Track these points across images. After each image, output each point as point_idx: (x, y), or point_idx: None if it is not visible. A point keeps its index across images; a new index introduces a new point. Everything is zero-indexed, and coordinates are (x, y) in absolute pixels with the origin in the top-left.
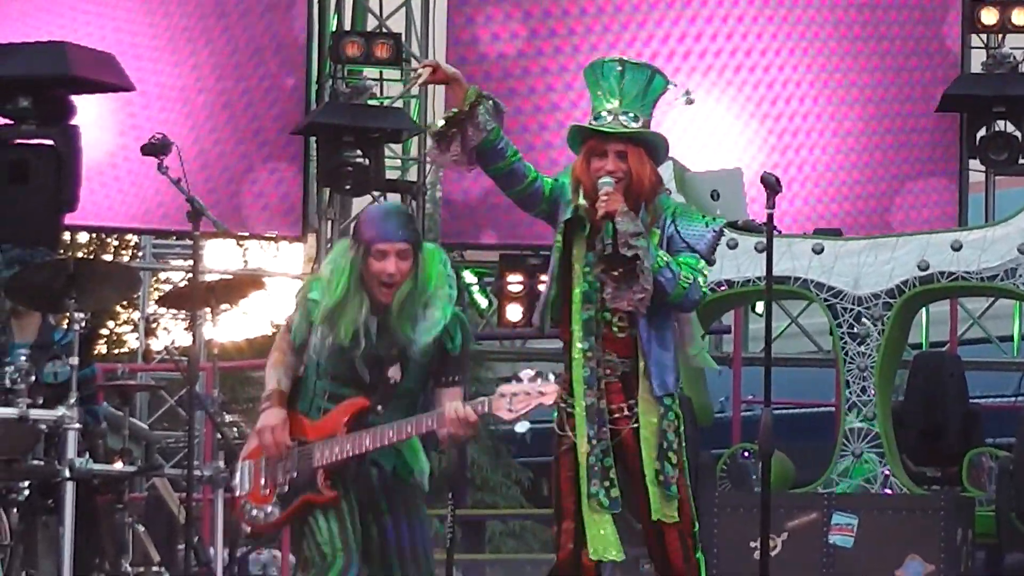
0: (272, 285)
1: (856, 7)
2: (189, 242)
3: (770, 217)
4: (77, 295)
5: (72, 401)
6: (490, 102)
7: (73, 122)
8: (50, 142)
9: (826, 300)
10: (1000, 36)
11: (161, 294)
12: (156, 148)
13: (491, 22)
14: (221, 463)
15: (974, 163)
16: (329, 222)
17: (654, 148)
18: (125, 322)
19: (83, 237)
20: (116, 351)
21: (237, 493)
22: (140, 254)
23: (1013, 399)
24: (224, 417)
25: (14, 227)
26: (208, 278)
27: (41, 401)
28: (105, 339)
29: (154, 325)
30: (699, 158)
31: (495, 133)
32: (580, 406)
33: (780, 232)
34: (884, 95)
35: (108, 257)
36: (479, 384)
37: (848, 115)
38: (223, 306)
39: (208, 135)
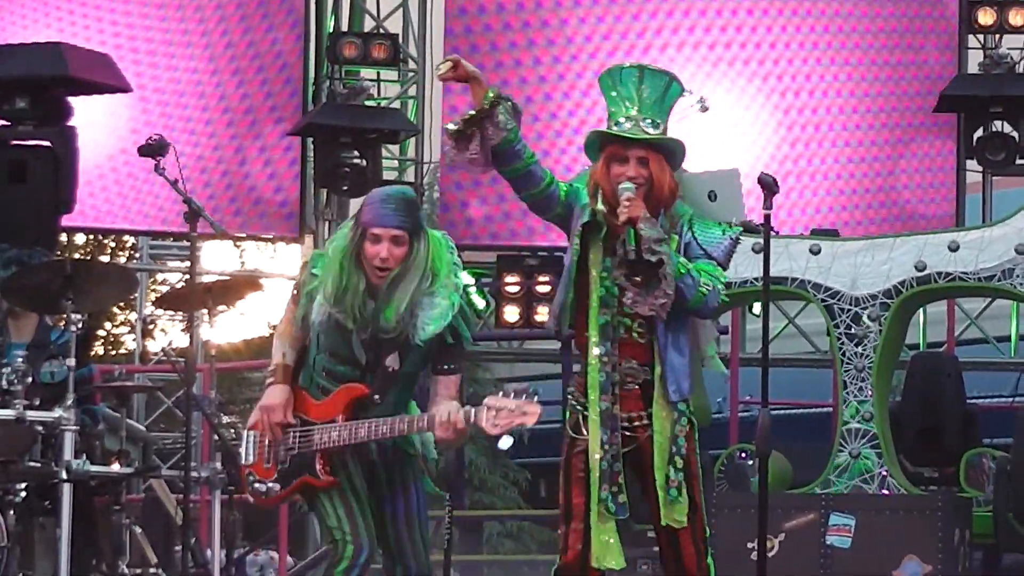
0: (269, 286)
1: (854, 9)
2: (186, 243)
3: (767, 218)
4: (74, 296)
5: (69, 402)
6: (508, 103)
7: (70, 123)
8: (47, 143)
9: (823, 301)
10: (997, 36)
11: (158, 295)
12: (153, 149)
13: (489, 31)
14: (218, 464)
15: (971, 163)
16: (326, 223)
17: (672, 154)
18: (122, 323)
19: (80, 238)
20: (113, 352)
21: (242, 462)
22: (137, 255)
23: (1010, 399)
24: (221, 418)
25: (11, 228)
26: (205, 279)
27: (38, 402)
28: (102, 340)
29: (151, 326)
30: (697, 159)
31: (513, 134)
32: (595, 411)
33: (777, 233)
34: (881, 96)
35: (105, 258)
36: (476, 385)
37: (845, 116)
38: (220, 307)
39: (205, 136)
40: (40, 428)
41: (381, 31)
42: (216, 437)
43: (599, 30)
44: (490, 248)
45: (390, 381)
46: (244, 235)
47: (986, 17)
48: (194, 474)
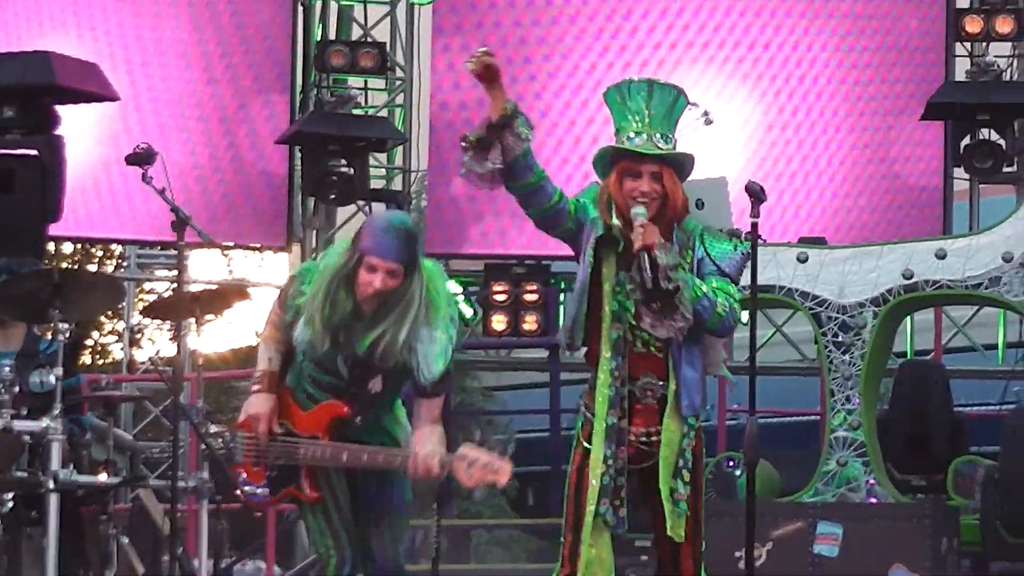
0: (257, 295)
1: (842, 17)
2: (174, 252)
3: (754, 226)
4: (62, 305)
5: (56, 412)
6: (522, 116)
7: (58, 132)
8: (35, 152)
9: (811, 309)
10: (984, 44)
11: (146, 304)
12: (140, 158)
13: (480, 29)
14: (206, 474)
15: (958, 171)
16: (314, 232)
17: (682, 167)
18: (110, 332)
19: (68, 247)
20: (101, 361)
21: (235, 459)
22: (125, 264)
23: (998, 407)
24: (209, 428)
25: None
26: (193, 288)
27: (25, 412)
28: (90, 349)
29: (139, 335)
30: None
31: (528, 146)
32: (601, 425)
33: (765, 241)
34: (868, 104)
35: (93, 267)
36: (464, 393)
37: (832, 124)
38: (208, 316)
39: (192, 145)
40: (28, 438)
41: (369, 39)
42: (203, 446)
43: (589, 29)
44: (478, 257)
45: (372, 402)
46: (232, 244)
47: (973, 25)
48: (181, 484)
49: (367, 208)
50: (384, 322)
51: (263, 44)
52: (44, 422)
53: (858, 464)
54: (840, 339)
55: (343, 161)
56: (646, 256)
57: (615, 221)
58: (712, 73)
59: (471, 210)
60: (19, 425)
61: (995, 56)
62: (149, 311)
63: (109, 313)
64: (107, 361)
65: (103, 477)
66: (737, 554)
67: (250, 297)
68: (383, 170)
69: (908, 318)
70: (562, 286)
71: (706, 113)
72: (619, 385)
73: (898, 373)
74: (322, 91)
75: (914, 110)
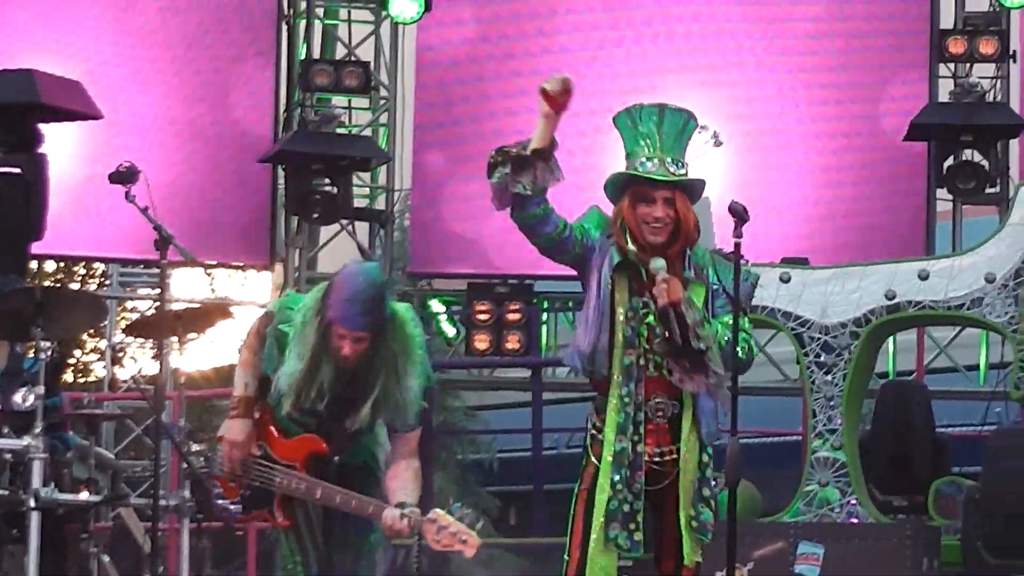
0: (240, 314)
1: (824, 36)
2: (156, 271)
3: (737, 246)
4: (44, 323)
5: (38, 430)
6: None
7: (41, 150)
8: (18, 170)
9: (793, 329)
10: (968, 65)
11: (128, 323)
12: (123, 176)
13: (462, 47)
14: (187, 492)
15: (941, 192)
16: (297, 250)
17: (695, 192)
18: (92, 351)
19: (50, 265)
20: (82, 380)
21: (214, 471)
22: (107, 283)
23: (980, 428)
24: (190, 446)
25: None
26: (175, 307)
27: (7, 430)
28: (72, 368)
29: (121, 354)
30: None
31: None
32: (609, 451)
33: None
34: (851, 124)
35: (75, 285)
36: (446, 413)
37: (815, 144)
38: (190, 335)
39: (175, 163)
40: (9, 456)
41: (353, 59)
42: (185, 465)
43: (583, 56)
44: (461, 276)
45: (350, 440)
46: (214, 263)
47: (957, 46)
48: (163, 502)
49: (350, 227)
50: (360, 384)
51: (247, 63)
52: (26, 440)
53: (839, 485)
54: (822, 359)
55: (327, 180)
56: (672, 312)
57: (630, 247)
58: (693, 94)
59: (454, 229)
60: (1, 443)
61: (978, 77)
62: (131, 329)
63: (91, 331)
64: (89, 379)
65: (84, 495)
66: (718, 574)
67: (233, 316)
68: (367, 189)
69: (890, 339)
70: (544, 306)
71: (715, 135)
72: (631, 411)
73: (880, 393)
74: (306, 110)
75: (897, 131)
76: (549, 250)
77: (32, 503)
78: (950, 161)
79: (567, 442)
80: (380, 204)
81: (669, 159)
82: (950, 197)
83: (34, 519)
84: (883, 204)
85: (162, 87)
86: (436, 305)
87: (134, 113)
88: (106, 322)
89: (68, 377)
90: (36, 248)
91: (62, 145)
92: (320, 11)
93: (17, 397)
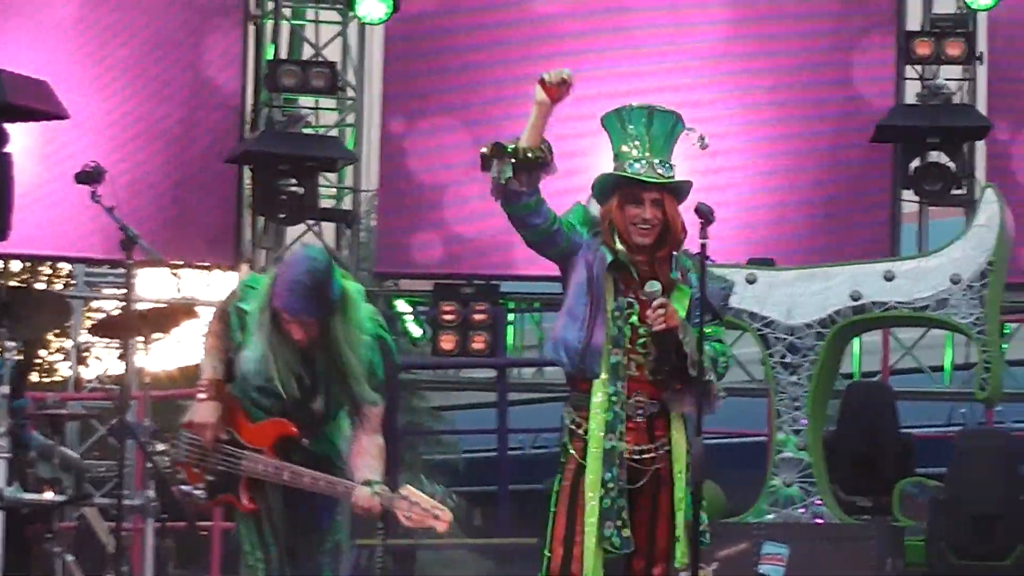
0: (205, 314)
1: (789, 36)
2: (122, 271)
3: (703, 247)
4: (9, 323)
5: (2, 430)
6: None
7: (6, 150)
8: None
9: (759, 330)
10: (935, 67)
11: (94, 322)
12: (89, 176)
13: (431, 39)
14: (151, 492)
15: (907, 193)
16: (263, 251)
17: (681, 193)
18: (57, 350)
19: (16, 265)
20: (48, 380)
21: (175, 458)
22: (73, 282)
23: (945, 429)
24: (155, 446)
25: None
26: (141, 306)
27: None
28: (37, 367)
29: (86, 354)
30: None
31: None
32: (598, 449)
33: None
34: (817, 125)
35: (41, 285)
36: (412, 413)
37: (781, 146)
38: (156, 335)
39: (141, 163)
40: None
41: (320, 59)
42: (150, 465)
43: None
44: (427, 276)
45: (317, 423)
46: (180, 263)
47: (923, 48)
48: (127, 502)
49: (317, 227)
50: (319, 364)
51: (214, 63)
52: None
53: (805, 485)
54: (788, 360)
55: (293, 180)
56: (668, 338)
57: (619, 247)
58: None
59: (421, 230)
60: None
61: (945, 79)
62: (97, 329)
63: (57, 331)
64: (54, 379)
65: (49, 495)
66: (683, 574)
67: (198, 316)
68: (333, 190)
69: (856, 339)
70: (511, 306)
71: (702, 137)
72: (619, 409)
73: (845, 395)
74: (273, 110)
75: (864, 132)
76: (538, 243)
77: None
78: (916, 163)
79: (532, 442)
80: (347, 204)
81: (657, 161)
82: (916, 199)
83: None
84: (849, 206)
85: (128, 87)
86: (402, 305)
87: (100, 112)
88: (71, 322)
89: (32, 376)
90: (1, 248)
91: (27, 144)
92: (287, 11)
93: None
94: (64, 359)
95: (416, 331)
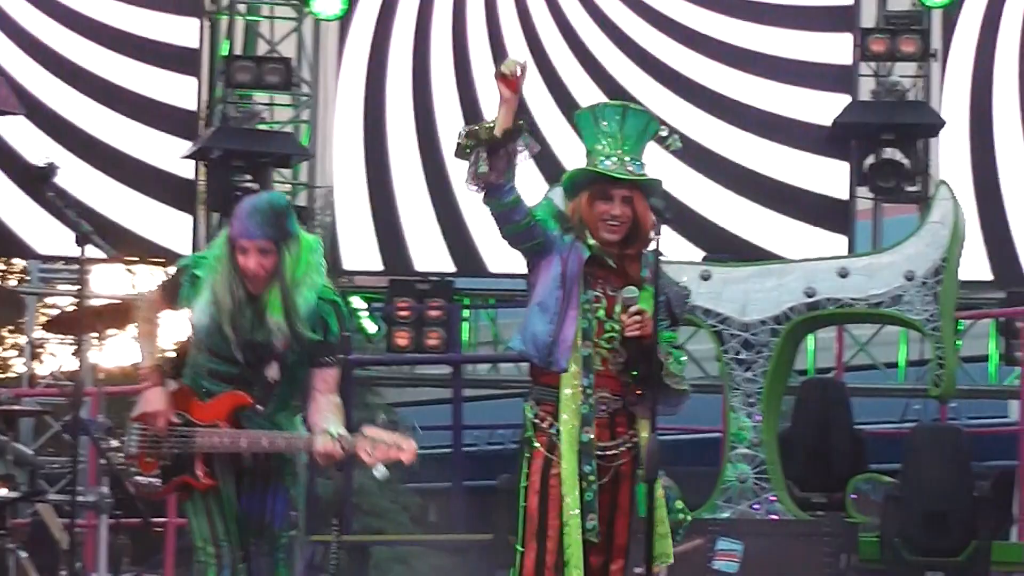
0: None
1: (748, 33)
2: (77, 267)
3: (657, 243)
4: None
5: None
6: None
7: None
8: None
9: (713, 326)
10: (889, 64)
11: (48, 319)
12: (44, 173)
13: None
14: (105, 489)
15: (862, 190)
16: None
17: (652, 191)
18: (11, 347)
19: None
20: (1, 376)
21: (127, 452)
22: (27, 278)
23: (898, 425)
24: (109, 442)
25: None
26: (95, 303)
27: None
28: None
29: (40, 350)
30: None
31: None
32: (573, 442)
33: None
34: (773, 120)
35: None
36: (367, 409)
37: (736, 142)
38: (110, 331)
39: (96, 159)
40: None
41: (275, 55)
42: (104, 461)
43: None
44: (383, 273)
45: (271, 391)
46: (135, 258)
47: (878, 45)
48: (81, 498)
49: None
50: (272, 304)
51: (169, 59)
52: None
53: (759, 482)
54: (742, 357)
55: (248, 176)
56: (640, 345)
57: (591, 241)
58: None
59: (377, 227)
60: None
61: (900, 76)
62: (51, 325)
63: (10, 327)
64: (8, 375)
65: (2, 492)
66: (637, 570)
67: None
68: (288, 186)
69: (810, 336)
70: (466, 303)
71: (676, 137)
72: (592, 402)
73: (800, 391)
74: (228, 106)
75: (819, 129)
76: (514, 238)
77: None
78: (871, 159)
79: (487, 439)
80: (301, 200)
81: (628, 158)
82: (871, 195)
83: None
84: (804, 202)
85: (83, 82)
86: (357, 301)
87: (56, 109)
88: (25, 318)
89: None
90: None
91: None
92: (242, 7)
93: None
94: (18, 355)
95: (371, 327)
